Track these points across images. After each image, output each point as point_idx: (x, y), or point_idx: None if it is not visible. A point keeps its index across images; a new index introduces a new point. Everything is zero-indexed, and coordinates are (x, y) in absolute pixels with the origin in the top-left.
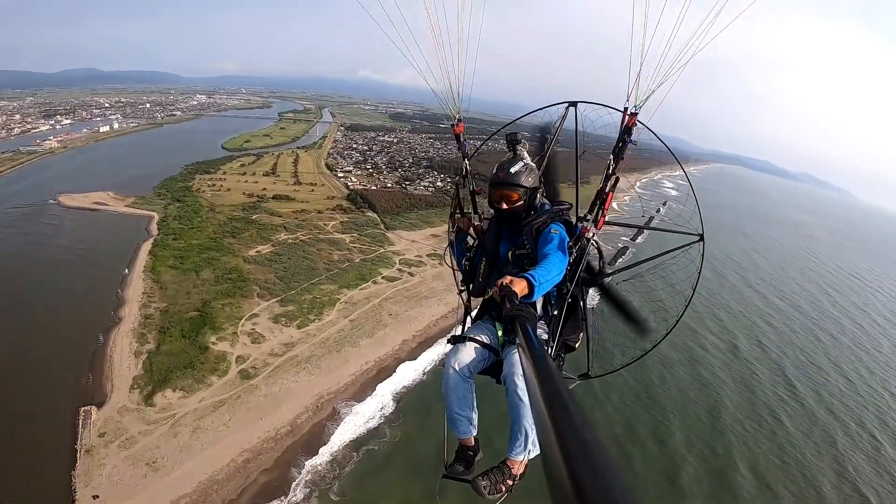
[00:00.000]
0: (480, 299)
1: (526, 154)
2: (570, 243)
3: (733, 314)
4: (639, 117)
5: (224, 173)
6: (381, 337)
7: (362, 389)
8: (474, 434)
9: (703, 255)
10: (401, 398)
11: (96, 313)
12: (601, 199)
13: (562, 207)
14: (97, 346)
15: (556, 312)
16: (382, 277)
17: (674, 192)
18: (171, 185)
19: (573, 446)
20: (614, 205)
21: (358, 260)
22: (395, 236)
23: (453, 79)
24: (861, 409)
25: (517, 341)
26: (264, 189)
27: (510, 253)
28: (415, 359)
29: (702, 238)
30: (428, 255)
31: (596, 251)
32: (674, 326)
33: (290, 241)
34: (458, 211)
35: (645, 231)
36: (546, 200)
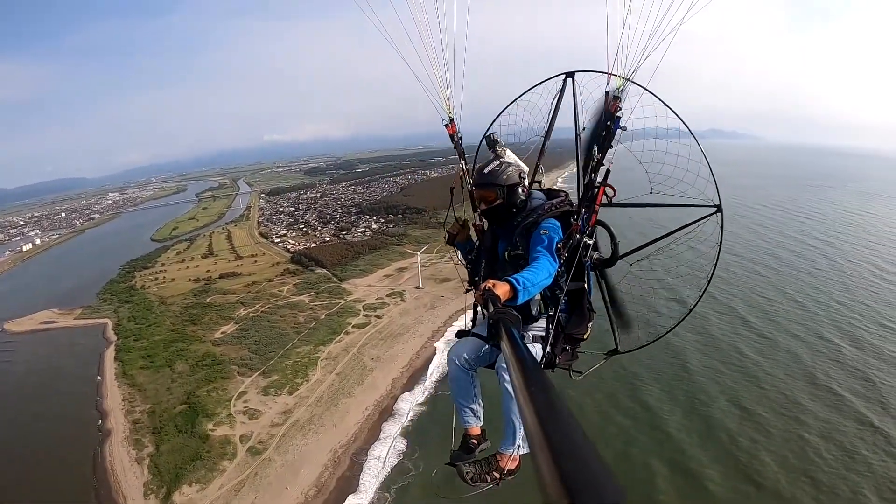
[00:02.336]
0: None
1: (507, 152)
2: (561, 243)
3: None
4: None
5: (163, 265)
6: (372, 381)
7: (371, 434)
8: (479, 424)
9: (722, 226)
10: (409, 432)
11: (82, 431)
12: (591, 193)
13: (555, 200)
14: (95, 464)
15: (552, 312)
16: (352, 326)
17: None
18: (113, 289)
19: (559, 445)
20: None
21: (323, 316)
22: (350, 286)
23: (445, 76)
24: (816, 323)
25: (502, 345)
26: (208, 271)
27: (506, 253)
28: (411, 390)
29: (719, 209)
30: (388, 296)
31: (608, 234)
32: (697, 303)
33: (251, 315)
34: (456, 218)
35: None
36: (540, 193)
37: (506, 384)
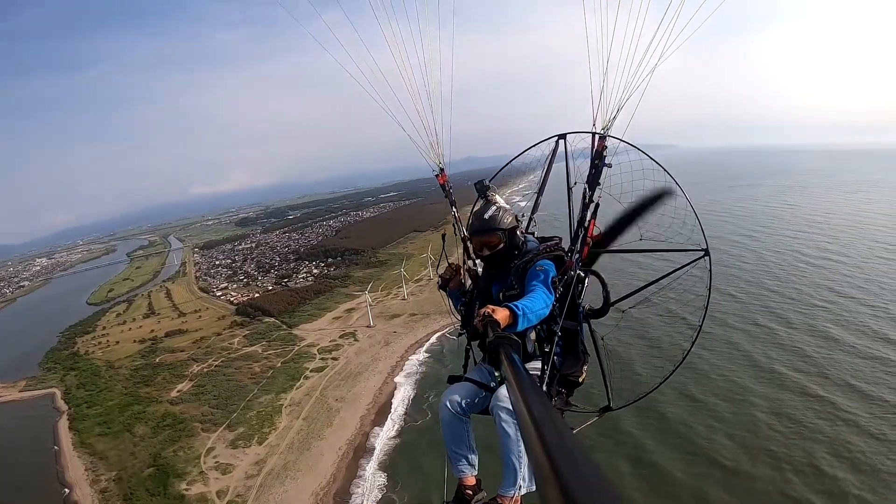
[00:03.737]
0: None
1: (498, 197)
2: (556, 278)
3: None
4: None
5: (104, 328)
6: (340, 421)
7: (349, 473)
8: (473, 474)
9: (710, 270)
10: (386, 465)
11: None
12: (582, 228)
13: (549, 243)
14: None
15: (547, 349)
16: (311, 371)
17: (524, 203)
18: (56, 357)
19: (565, 467)
20: None
21: (279, 364)
22: (301, 332)
23: (432, 131)
24: (751, 311)
25: (501, 370)
26: (152, 331)
27: (501, 294)
28: (380, 425)
29: (707, 253)
30: (341, 337)
31: (599, 282)
32: (690, 350)
33: (205, 370)
34: (449, 263)
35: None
36: (533, 238)
37: (503, 423)
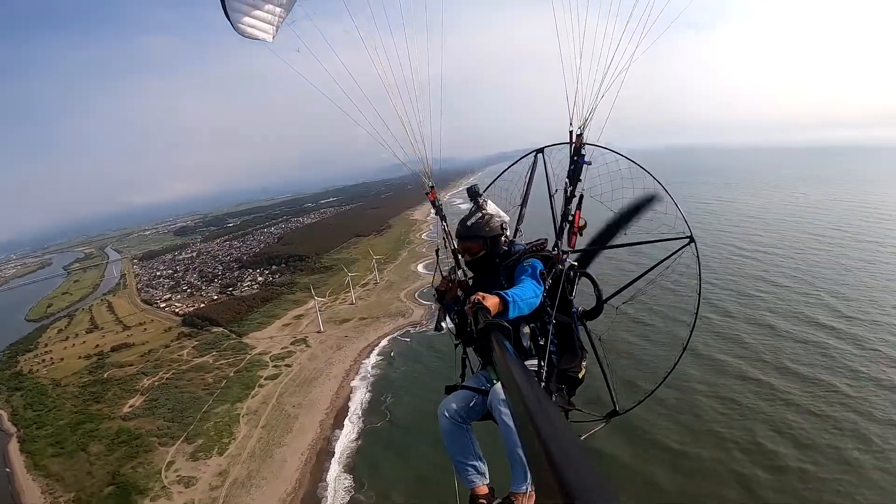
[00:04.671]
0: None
1: (488, 203)
2: (544, 271)
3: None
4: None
5: (46, 345)
6: (300, 427)
7: (314, 478)
8: (485, 482)
9: (697, 256)
10: (351, 467)
11: None
12: (567, 219)
13: (536, 243)
14: None
15: (542, 342)
16: (265, 379)
17: (465, 205)
18: None
19: (556, 451)
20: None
21: (232, 374)
22: (251, 340)
23: (422, 152)
24: (688, 304)
25: (493, 358)
26: (97, 346)
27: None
28: (340, 428)
29: (692, 239)
30: (292, 344)
31: (590, 282)
32: (688, 341)
33: (156, 384)
34: (443, 275)
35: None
36: (521, 242)
37: (503, 416)
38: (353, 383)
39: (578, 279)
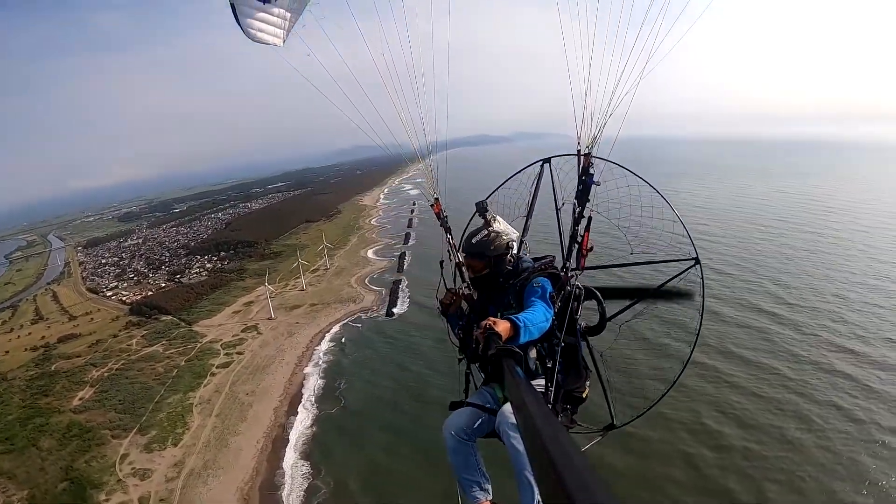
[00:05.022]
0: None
1: (497, 220)
2: (553, 293)
3: None
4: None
5: None
6: (254, 415)
7: (271, 465)
8: (489, 498)
9: (702, 278)
10: (307, 454)
11: None
12: (576, 241)
13: (544, 261)
14: None
15: (549, 364)
16: (217, 367)
17: (414, 192)
18: None
19: (567, 471)
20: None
21: (183, 363)
22: (201, 328)
23: (428, 164)
24: None
25: (504, 383)
26: (43, 337)
27: (499, 314)
28: (295, 415)
29: (697, 261)
30: (243, 331)
31: (595, 300)
32: (688, 360)
33: (106, 375)
34: (448, 288)
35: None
36: (528, 258)
37: (512, 440)
38: (305, 370)
39: (584, 298)
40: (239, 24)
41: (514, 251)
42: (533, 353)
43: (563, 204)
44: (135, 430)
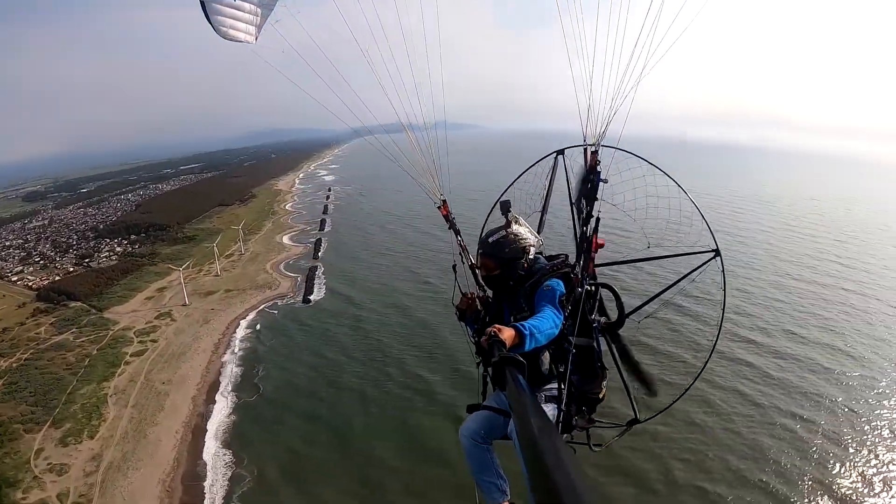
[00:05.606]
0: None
1: (518, 221)
2: (564, 296)
3: (420, 259)
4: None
5: None
6: (171, 405)
7: (192, 456)
8: (506, 499)
9: (723, 269)
10: (228, 443)
11: None
12: (586, 243)
13: (556, 262)
14: None
15: (562, 369)
16: (131, 356)
17: (330, 177)
18: None
19: (562, 483)
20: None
21: (95, 351)
22: (113, 315)
23: (432, 163)
24: None
25: (506, 390)
26: None
27: (512, 317)
28: (213, 403)
29: (718, 253)
30: (156, 318)
31: (614, 299)
32: (711, 353)
33: (14, 365)
34: (463, 293)
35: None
36: (542, 258)
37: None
38: (223, 357)
39: (599, 293)
40: (209, 22)
41: (531, 256)
42: (546, 356)
43: (579, 198)
44: (48, 423)
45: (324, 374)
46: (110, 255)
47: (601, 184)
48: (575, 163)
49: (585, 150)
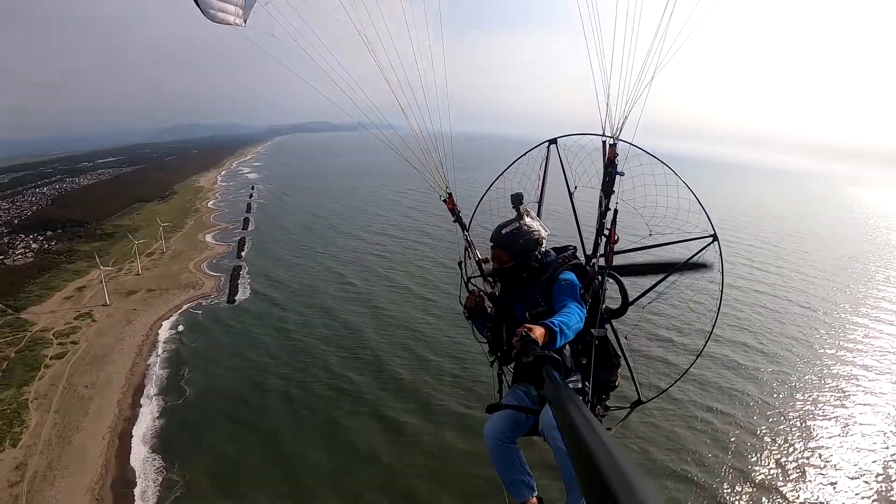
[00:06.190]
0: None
1: (530, 214)
2: (582, 290)
3: (343, 260)
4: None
5: None
6: (97, 409)
7: (121, 462)
8: (534, 495)
9: (721, 254)
10: (157, 447)
11: None
12: (604, 236)
13: (566, 254)
14: None
15: (584, 361)
16: (51, 358)
17: (253, 175)
18: None
19: (614, 480)
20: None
21: (13, 354)
22: (30, 315)
23: (436, 156)
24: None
25: (543, 389)
26: None
27: (527, 313)
28: (140, 407)
29: (715, 238)
30: (76, 319)
31: (618, 287)
32: (709, 337)
33: None
34: (469, 291)
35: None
36: (551, 250)
37: (557, 442)
38: (147, 360)
39: (606, 283)
40: (197, 5)
41: (543, 248)
42: (567, 350)
43: (576, 188)
44: None
45: (249, 375)
46: (25, 252)
47: (618, 177)
48: (568, 151)
49: (604, 142)
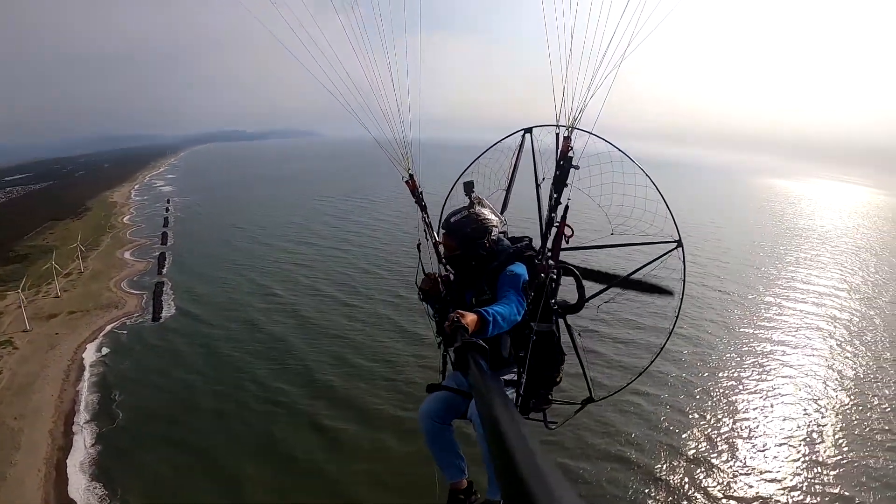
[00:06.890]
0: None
1: (480, 202)
2: (527, 283)
3: (266, 271)
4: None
5: None
6: (28, 442)
7: (61, 495)
8: (464, 478)
9: (684, 261)
10: (97, 476)
11: None
12: (551, 230)
13: (520, 245)
14: None
15: (522, 354)
16: None
17: (168, 188)
18: None
19: (531, 479)
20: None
21: None
22: None
23: (400, 135)
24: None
25: (468, 376)
26: None
27: (474, 300)
28: (74, 436)
29: (680, 244)
30: None
31: (576, 283)
32: (668, 339)
33: None
34: (426, 273)
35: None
36: (505, 239)
37: (481, 428)
38: (76, 386)
39: (559, 278)
40: None
41: (493, 236)
42: (507, 341)
43: (544, 179)
44: None
45: (180, 395)
46: None
47: (572, 170)
48: (542, 142)
49: (557, 134)
